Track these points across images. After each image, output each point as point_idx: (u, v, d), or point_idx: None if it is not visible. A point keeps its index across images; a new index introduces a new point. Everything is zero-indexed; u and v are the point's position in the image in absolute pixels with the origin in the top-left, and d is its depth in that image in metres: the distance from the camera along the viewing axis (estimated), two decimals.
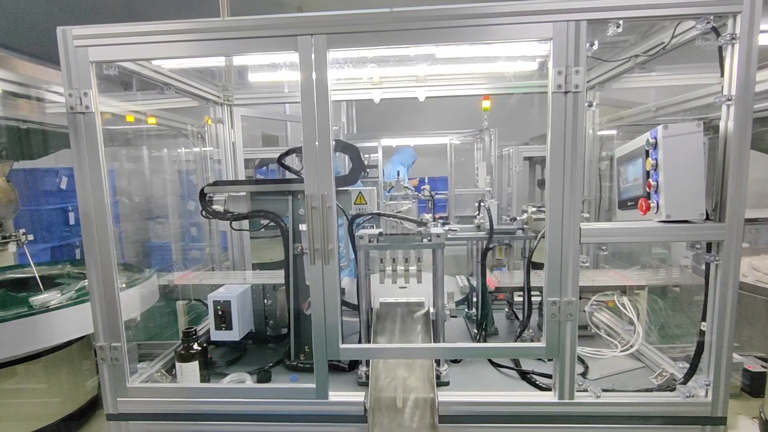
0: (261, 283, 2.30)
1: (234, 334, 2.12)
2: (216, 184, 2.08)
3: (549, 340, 1.51)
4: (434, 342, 1.79)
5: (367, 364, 1.80)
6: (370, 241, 1.82)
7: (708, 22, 1.42)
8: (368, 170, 5.38)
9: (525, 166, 4.89)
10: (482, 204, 2.13)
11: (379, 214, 1.88)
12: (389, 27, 1.45)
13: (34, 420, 1.85)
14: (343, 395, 1.63)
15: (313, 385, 1.60)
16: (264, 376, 1.89)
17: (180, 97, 2.38)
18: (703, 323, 1.53)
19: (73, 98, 1.51)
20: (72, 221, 4.97)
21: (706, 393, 1.51)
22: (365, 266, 1.85)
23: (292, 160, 2.23)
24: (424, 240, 1.83)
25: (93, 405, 2.14)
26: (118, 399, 1.65)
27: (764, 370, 2.08)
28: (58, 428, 1.90)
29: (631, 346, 1.95)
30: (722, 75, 1.45)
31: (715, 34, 1.45)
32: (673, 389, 1.60)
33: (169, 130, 2.63)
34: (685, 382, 1.59)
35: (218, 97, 2.65)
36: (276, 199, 2.06)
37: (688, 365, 1.63)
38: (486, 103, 5.16)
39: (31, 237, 2.14)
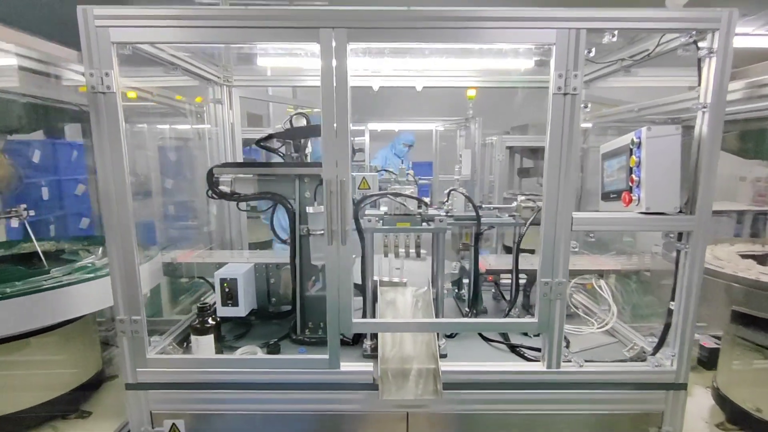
0: (264, 262, 2.40)
1: (240, 310, 2.21)
2: (225, 165, 2.14)
3: (540, 317, 1.70)
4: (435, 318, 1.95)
5: (372, 338, 1.94)
6: (377, 221, 1.94)
7: (691, 36, 1.59)
8: (356, 153, 5.49)
9: (506, 155, 5.07)
10: (454, 191, 2.27)
11: (385, 194, 2.00)
12: (406, 24, 1.55)
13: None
14: (353, 365, 1.77)
15: (326, 356, 1.73)
16: (274, 349, 2.00)
17: (181, 76, 2.39)
18: (671, 303, 1.74)
19: (94, 78, 1.54)
20: (46, 196, 4.82)
21: (672, 363, 1.74)
22: (371, 247, 1.98)
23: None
24: (424, 224, 1.98)
25: (95, 381, 2.19)
26: (137, 369, 1.73)
27: (717, 346, 2.36)
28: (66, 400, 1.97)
29: (607, 324, 2.18)
30: (699, 84, 1.63)
31: (695, 47, 1.62)
32: (643, 360, 1.82)
33: (168, 108, 2.63)
34: (653, 353, 1.81)
35: (218, 77, 2.66)
36: (283, 181, 2.14)
37: (656, 340, 1.86)
38: (471, 92, 5.30)
39: (32, 212, 2.14)
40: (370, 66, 2.63)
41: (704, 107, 1.59)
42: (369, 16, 1.53)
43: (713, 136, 1.59)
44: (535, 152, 5.57)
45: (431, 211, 2.06)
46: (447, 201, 2.13)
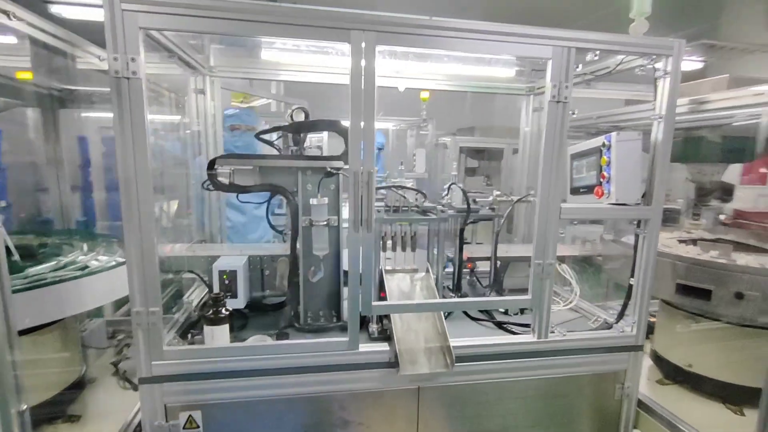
0: (258, 254, 2.41)
1: (239, 302, 2.23)
2: (229, 156, 2.14)
3: (533, 293, 1.96)
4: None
5: (377, 321, 2.07)
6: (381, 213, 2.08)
7: (651, 59, 1.95)
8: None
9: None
10: (454, 185, 2.49)
11: (390, 187, 2.15)
12: (428, 32, 1.71)
13: None
14: (371, 346, 1.89)
15: (346, 338, 1.84)
16: (282, 336, 2.05)
17: (166, 62, 2.31)
18: (631, 279, 2.10)
19: (118, 62, 1.50)
20: None
21: (632, 329, 2.09)
22: (378, 237, 2.11)
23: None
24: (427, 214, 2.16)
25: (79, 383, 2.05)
26: (153, 362, 1.69)
27: (653, 319, 2.82)
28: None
29: (572, 302, 2.53)
30: (655, 99, 1.99)
31: (653, 68, 1.98)
32: (609, 328, 2.17)
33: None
34: (617, 322, 2.17)
35: (203, 67, 2.60)
36: (284, 173, 2.18)
37: (615, 313, 2.22)
38: (425, 94, 5.59)
39: (2, 203, 1.94)
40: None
41: (660, 118, 1.95)
42: (397, 21, 1.67)
43: (666, 141, 1.96)
44: (480, 153, 6.03)
45: (427, 204, 2.25)
46: (447, 195, 2.32)
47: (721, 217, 2.69)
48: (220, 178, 2.14)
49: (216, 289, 2.19)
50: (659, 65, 1.95)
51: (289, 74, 2.90)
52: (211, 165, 2.09)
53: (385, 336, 2.01)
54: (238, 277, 2.20)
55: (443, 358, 1.89)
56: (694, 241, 2.36)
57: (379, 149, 5.49)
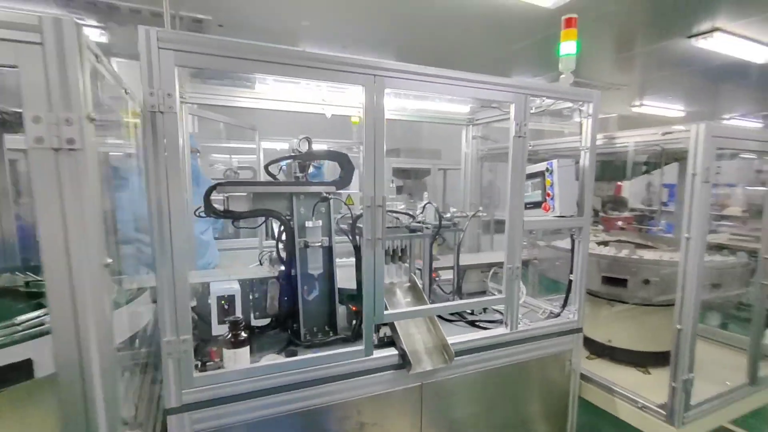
0: (247, 278, 2.45)
1: None
2: (228, 184, 2.19)
3: (507, 292, 2.36)
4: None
5: (375, 330, 2.29)
6: None
7: (579, 104, 2.52)
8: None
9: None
10: (429, 204, 2.86)
11: (388, 212, 2.40)
12: (425, 79, 2.04)
13: None
14: (381, 351, 2.11)
15: (362, 347, 2.03)
16: (291, 354, 2.14)
17: None
18: (571, 275, 2.63)
19: (154, 97, 1.55)
20: None
21: (574, 315, 2.62)
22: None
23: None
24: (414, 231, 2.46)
25: None
26: (183, 391, 1.70)
27: None
28: None
29: (520, 299, 3.01)
30: (581, 134, 2.58)
31: (579, 111, 2.56)
32: (557, 316, 2.68)
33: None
34: (561, 311, 2.69)
35: None
36: (277, 199, 2.30)
37: (557, 304, 2.75)
38: (356, 118, 5.92)
39: None
40: (325, 97, 2.95)
41: (586, 149, 2.53)
42: (400, 68, 1.96)
43: (590, 166, 2.54)
44: (405, 172, 6.54)
45: (414, 224, 2.55)
46: (422, 213, 2.64)
47: (619, 223, 3.46)
48: (215, 205, 2.19)
49: (214, 314, 2.20)
50: (584, 108, 2.54)
51: (265, 103, 2.95)
52: (209, 192, 2.14)
53: (384, 342, 2.24)
54: (236, 301, 2.24)
55: (442, 354, 2.19)
56: (605, 243, 3.02)
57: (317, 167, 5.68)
